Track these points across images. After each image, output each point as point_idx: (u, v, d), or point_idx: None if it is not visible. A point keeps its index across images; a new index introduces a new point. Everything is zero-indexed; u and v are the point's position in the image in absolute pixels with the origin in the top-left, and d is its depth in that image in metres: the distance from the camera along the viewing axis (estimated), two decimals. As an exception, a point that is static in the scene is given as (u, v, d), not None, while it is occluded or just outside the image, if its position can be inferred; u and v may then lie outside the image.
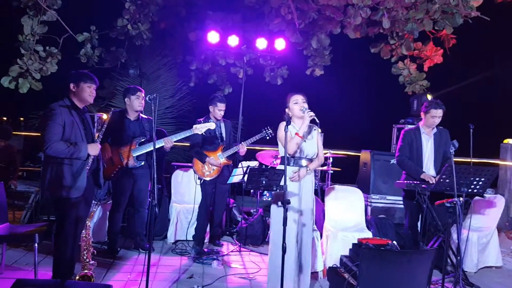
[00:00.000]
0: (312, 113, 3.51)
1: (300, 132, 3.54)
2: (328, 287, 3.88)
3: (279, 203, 3.49)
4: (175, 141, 4.57)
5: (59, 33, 6.10)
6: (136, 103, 4.59)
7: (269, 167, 4.80)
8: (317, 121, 3.57)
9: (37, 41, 5.86)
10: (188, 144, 5.05)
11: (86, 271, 3.43)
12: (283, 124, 3.64)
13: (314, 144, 3.73)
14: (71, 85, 3.44)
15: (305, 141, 3.66)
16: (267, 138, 4.97)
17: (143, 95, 4.63)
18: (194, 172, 4.92)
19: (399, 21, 5.98)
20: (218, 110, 4.90)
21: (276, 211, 3.64)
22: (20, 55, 5.77)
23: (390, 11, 5.92)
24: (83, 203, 3.46)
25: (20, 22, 5.75)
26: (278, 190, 3.46)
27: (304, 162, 3.66)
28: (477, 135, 4.22)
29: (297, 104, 3.65)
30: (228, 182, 4.99)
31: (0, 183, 4.05)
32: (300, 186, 3.62)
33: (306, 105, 3.63)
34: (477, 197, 4.89)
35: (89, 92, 3.46)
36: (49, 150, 3.23)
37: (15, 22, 5.79)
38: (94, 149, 3.42)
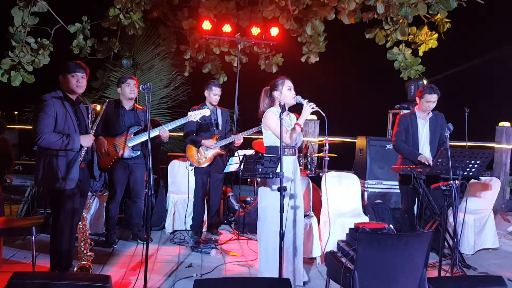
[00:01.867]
0: (313, 104, 3.38)
1: (301, 123, 3.45)
2: (325, 272, 3.89)
3: (273, 187, 3.44)
4: (170, 130, 4.56)
5: (50, 24, 6.03)
6: (127, 91, 4.57)
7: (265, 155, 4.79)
8: (323, 114, 3.40)
9: (28, 32, 5.80)
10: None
11: (84, 262, 3.43)
12: (271, 112, 3.54)
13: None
14: (60, 77, 3.40)
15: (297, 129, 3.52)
16: None
17: (134, 82, 4.61)
18: (187, 159, 4.91)
19: (393, 6, 5.93)
20: (214, 94, 4.86)
21: (264, 195, 3.54)
22: (11, 47, 5.71)
23: (384, -4, 5.87)
24: (78, 195, 3.43)
25: (10, 14, 5.67)
26: (274, 178, 3.41)
27: (288, 151, 3.55)
28: (473, 118, 4.21)
29: (290, 91, 3.53)
30: (225, 171, 4.98)
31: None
32: (294, 170, 3.58)
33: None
34: (473, 180, 4.90)
35: (75, 82, 3.36)
36: (41, 142, 3.20)
37: (5, 14, 5.72)
38: (87, 141, 3.38)
